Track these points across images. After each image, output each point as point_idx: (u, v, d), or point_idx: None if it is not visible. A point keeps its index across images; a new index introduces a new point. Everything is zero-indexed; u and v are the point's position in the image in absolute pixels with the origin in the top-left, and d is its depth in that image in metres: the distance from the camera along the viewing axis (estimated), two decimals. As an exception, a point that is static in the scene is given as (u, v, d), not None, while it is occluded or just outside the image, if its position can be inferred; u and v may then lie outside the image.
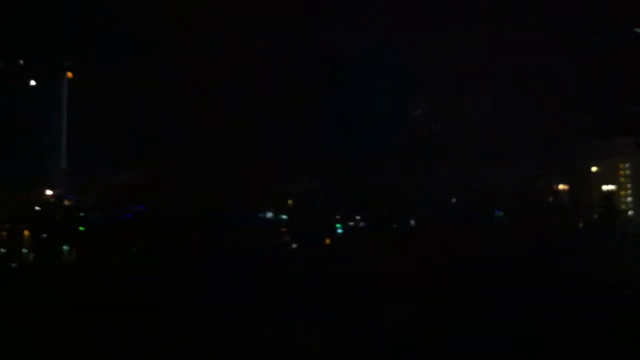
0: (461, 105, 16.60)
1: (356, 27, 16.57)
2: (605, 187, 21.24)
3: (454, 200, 16.22)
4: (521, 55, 15.63)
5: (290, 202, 15.80)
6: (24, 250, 16.13)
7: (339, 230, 14.16)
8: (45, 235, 16.20)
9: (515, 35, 15.67)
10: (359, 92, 16.03)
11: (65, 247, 15.65)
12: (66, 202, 17.47)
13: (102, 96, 18.97)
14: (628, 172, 26.31)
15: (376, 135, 16.28)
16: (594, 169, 15.33)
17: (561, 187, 15.52)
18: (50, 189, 18.50)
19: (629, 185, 26.37)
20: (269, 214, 15.13)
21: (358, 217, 14.67)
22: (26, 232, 16.54)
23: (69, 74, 19.18)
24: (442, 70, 16.39)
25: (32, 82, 19.55)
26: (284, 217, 14.79)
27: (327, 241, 13.12)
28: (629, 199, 25.83)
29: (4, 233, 16.86)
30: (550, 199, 14.46)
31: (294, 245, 11.30)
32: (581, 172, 15.58)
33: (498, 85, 15.84)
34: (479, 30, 15.92)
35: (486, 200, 15.95)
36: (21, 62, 18.48)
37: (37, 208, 17.27)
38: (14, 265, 15.05)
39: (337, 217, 14.64)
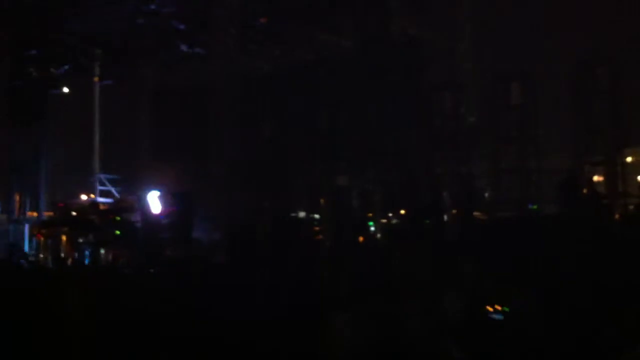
0: (493, 95, 16.51)
1: (389, 20, 16.53)
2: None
3: (486, 194, 16.09)
4: (551, 42, 15.49)
5: (322, 200, 15.82)
6: (62, 255, 16.40)
7: (372, 228, 14.18)
8: (81, 239, 16.48)
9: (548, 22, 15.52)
10: (393, 85, 15.97)
11: (102, 251, 15.89)
12: (102, 207, 17.76)
13: (144, 99, 19.25)
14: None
15: (409, 129, 16.25)
16: (629, 158, 15.14)
17: (596, 177, 15.35)
18: (86, 193, 18.83)
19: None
20: (302, 214, 15.19)
21: (391, 214, 14.64)
22: (64, 237, 16.85)
23: (96, 79, 19.49)
24: (474, 59, 16.30)
25: (65, 89, 19.90)
26: (316, 216, 14.83)
27: (361, 239, 13.14)
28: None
29: (42, 238, 17.20)
30: (586, 190, 14.30)
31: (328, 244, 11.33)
32: (617, 161, 15.39)
33: (530, 73, 15.72)
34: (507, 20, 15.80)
35: (522, 192, 15.82)
36: (52, 68, 18.79)
37: (73, 213, 17.58)
38: (52, 267, 15.33)
39: (370, 214, 14.65)
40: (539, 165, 15.74)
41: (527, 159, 15.94)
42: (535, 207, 14.72)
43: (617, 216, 13.24)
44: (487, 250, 8.96)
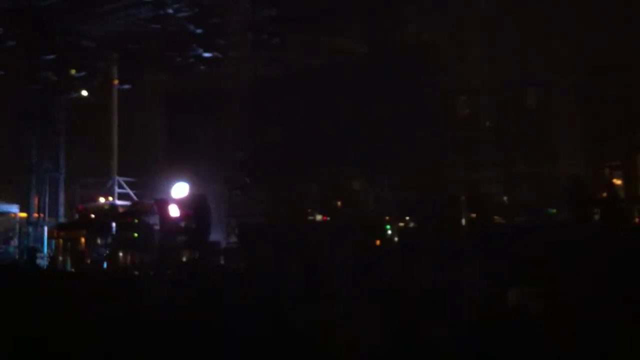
0: (508, 101, 16.43)
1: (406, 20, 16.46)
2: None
3: (504, 198, 15.99)
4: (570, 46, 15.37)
5: (339, 203, 15.82)
6: (80, 257, 16.50)
7: (389, 232, 14.12)
8: (100, 241, 16.57)
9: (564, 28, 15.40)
10: (406, 90, 15.94)
11: (120, 253, 15.96)
12: (120, 209, 17.86)
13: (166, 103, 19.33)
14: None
15: (426, 133, 16.20)
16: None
17: (616, 181, 15.20)
18: (104, 196, 18.96)
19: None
20: (318, 217, 15.17)
21: (408, 218, 14.58)
22: (82, 240, 16.96)
23: (115, 82, 19.62)
24: (488, 64, 16.21)
25: (83, 92, 20.05)
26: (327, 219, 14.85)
27: (377, 242, 13.09)
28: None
29: (61, 241, 17.32)
30: (605, 194, 14.17)
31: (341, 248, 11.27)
32: (636, 164, 15.22)
33: (546, 76, 15.61)
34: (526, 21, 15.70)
35: (538, 197, 15.70)
36: (73, 72, 18.95)
37: (91, 216, 17.70)
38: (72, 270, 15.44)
39: (386, 217, 14.60)
40: (555, 170, 15.63)
41: (542, 164, 15.83)
42: (553, 211, 14.60)
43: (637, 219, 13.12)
44: (500, 255, 8.92)
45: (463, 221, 14.19)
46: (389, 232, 14.31)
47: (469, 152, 16.64)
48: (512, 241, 10.62)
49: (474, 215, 14.59)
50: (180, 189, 15.96)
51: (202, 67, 18.60)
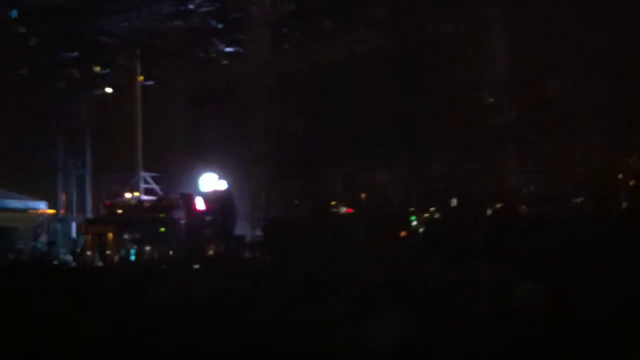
0: (536, 89, 16.28)
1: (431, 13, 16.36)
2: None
3: (531, 188, 15.87)
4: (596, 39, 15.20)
5: (363, 195, 15.81)
6: (108, 252, 16.69)
7: (414, 223, 14.09)
8: (127, 236, 16.76)
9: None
10: (435, 79, 15.86)
11: (147, 248, 16.12)
12: (146, 204, 18.02)
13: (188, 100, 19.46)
14: None
15: (450, 125, 16.13)
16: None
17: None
18: (130, 191, 19.12)
19: None
20: (343, 209, 15.18)
21: (433, 209, 14.54)
22: (110, 235, 17.15)
23: (140, 78, 19.76)
24: (510, 55, 16.08)
25: (108, 89, 20.24)
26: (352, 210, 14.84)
27: (403, 234, 13.08)
28: None
29: (89, 237, 17.52)
30: (632, 182, 13.99)
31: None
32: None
33: (572, 65, 15.45)
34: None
35: (563, 188, 15.54)
36: (93, 69, 19.15)
37: (119, 211, 17.88)
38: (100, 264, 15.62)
39: (412, 209, 14.57)
40: (580, 160, 15.49)
41: (567, 155, 15.69)
42: (579, 201, 14.46)
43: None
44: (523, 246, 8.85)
45: (488, 212, 14.13)
46: (414, 223, 14.30)
47: (494, 143, 16.55)
48: (536, 233, 10.51)
49: (499, 206, 14.52)
50: (209, 180, 16.13)
51: (224, 62, 18.67)
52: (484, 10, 15.90)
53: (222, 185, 16.29)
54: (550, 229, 10.43)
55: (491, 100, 16.90)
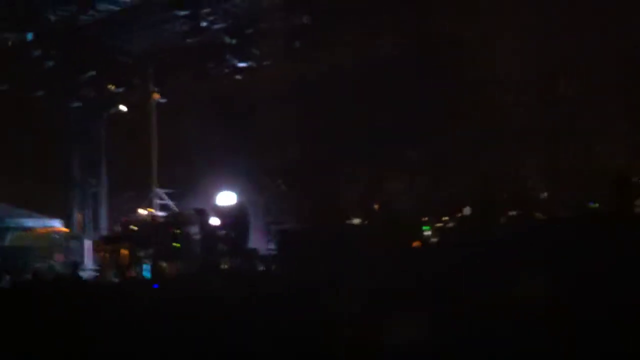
0: (546, 91, 16.17)
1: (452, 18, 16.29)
2: None
3: (545, 194, 15.68)
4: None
5: (376, 205, 15.75)
6: (123, 269, 16.71)
7: (427, 232, 14.02)
8: (142, 253, 16.79)
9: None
10: (441, 85, 15.79)
11: (163, 264, 16.14)
12: (160, 220, 18.07)
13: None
14: None
15: (464, 130, 16.03)
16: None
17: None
18: (144, 208, 19.17)
19: None
20: (355, 220, 15.13)
21: (446, 218, 14.44)
22: (125, 252, 17.19)
23: (157, 96, 19.89)
24: (523, 53, 15.98)
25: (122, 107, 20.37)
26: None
27: (415, 243, 12.98)
28: None
29: (103, 253, 17.58)
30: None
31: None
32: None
33: (587, 65, 15.34)
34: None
35: (580, 191, 15.33)
36: (108, 88, 19.31)
37: (133, 228, 17.93)
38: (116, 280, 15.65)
39: (425, 218, 14.49)
40: (596, 162, 15.33)
41: (584, 156, 15.54)
42: (596, 205, 14.32)
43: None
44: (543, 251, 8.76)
45: (503, 219, 14.02)
46: (428, 232, 14.23)
47: (509, 147, 16.44)
48: (553, 238, 10.40)
49: (514, 212, 14.40)
50: (226, 198, 16.19)
51: (237, 77, 18.76)
52: (500, 9, 15.81)
53: (235, 200, 16.33)
54: (566, 234, 10.31)
55: (507, 103, 16.79)
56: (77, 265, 16.68)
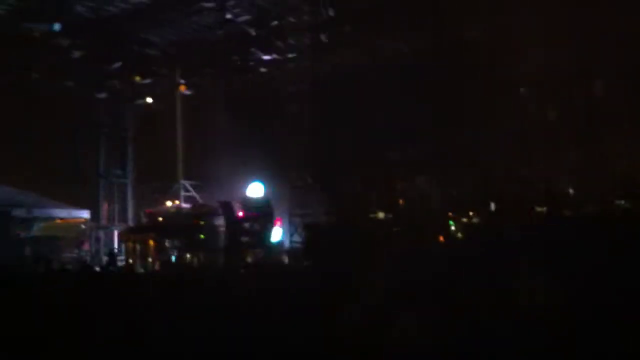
0: (574, 91, 16.03)
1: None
2: None
3: (571, 191, 15.59)
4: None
5: (402, 201, 15.73)
6: (149, 259, 16.89)
7: (452, 228, 13.99)
8: (168, 244, 16.95)
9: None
10: (469, 85, 15.72)
11: (188, 255, 16.27)
12: (186, 212, 18.21)
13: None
14: None
15: (489, 128, 15.96)
16: None
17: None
18: (170, 200, 19.34)
19: None
20: (381, 215, 15.13)
21: (471, 213, 14.40)
22: (151, 242, 17.36)
23: (183, 88, 19.99)
24: (549, 55, 15.86)
25: (149, 99, 20.52)
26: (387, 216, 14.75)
27: (441, 238, 12.95)
28: None
29: (131, 244, 17.77)
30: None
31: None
32: None
33: (615, 63, 15.18)
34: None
35: (606, 189, 15.21)
36: (135, 79, 19.43)
37: (159, 219, 18.10)
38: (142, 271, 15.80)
39: (450, 213, 14.45)
40: (624, 160, 15.18)
41: (610, 155, 15.40)
42: (622, 203, 14.20)
43: None
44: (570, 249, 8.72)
45: (530, 216, 13.94)
46: (453, 228, 14.20)
47: (535, 145, 16.35)
48: (581, 235, 10.33)
49: (541, 209, 14.32)
50: (255, 189, 16.29)
51: (263, 70, 18.79)
52: (524, 8, 15.68)
53: (260, 192, 16.42)
54: (593, 231, 10.24)
55: (534, 100, 16.69)
56: (113, 254, 16.87)
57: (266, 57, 18.37)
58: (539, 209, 14.04)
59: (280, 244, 15.50)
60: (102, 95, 20.02)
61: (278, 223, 16.16)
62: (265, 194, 16.29)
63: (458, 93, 15.96)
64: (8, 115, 17.74)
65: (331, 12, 16.71)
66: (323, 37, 17.04)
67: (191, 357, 7.14)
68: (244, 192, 16.68)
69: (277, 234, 15.92)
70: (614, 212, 13.94)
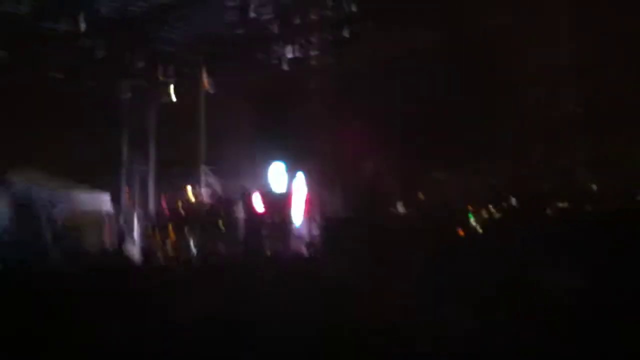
0: (592, 83, 15.90)
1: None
2: None
3: (593, 185, 15.45)
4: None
5: (422, 195, 15.71)
6: (168, 248, 17.03)
7: (472, 221, 13.97)
8: (187, 232, 17.08)
9: None
10: (487, 79, 15.65)
11: (207, 244, 16.36)
12: (206, 201, 18.31)
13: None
14: None
15: (509, 120, 15.87)
16: None
17: None
18: (191, 187, 19.42)
19: None
20: (401, 209, 15.12)
21: (491, 208, 14.37)
22: (170, 230, 17.50)
23: (206, 84, 20.07)
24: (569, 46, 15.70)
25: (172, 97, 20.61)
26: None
27: (461, 232, 12.94)
28: None
29: (151, 232, 17.92)
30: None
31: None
32: None
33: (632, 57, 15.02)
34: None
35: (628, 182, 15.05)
36: (159, 78, 19.51)
37: (179, 208, 18.21)
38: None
39: (470, 208, 14.43)
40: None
41: (632, 148, 15.27)
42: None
43: None
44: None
45: (549, 211, 13.88)
46: (472, 222, 14.17)
47: (555, 138, 16.26)
48: (601, 231, 10.26)
49: (562, 204, 14.25)
50: (277, 169, 16.33)
51: (285, 67, 18.84)
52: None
53: (282, 184, 16.48)
54: (616, 227, 10.16)
55: (554, 94, 16.58)
56: (122, 238, 16.97)
57: (289, 54, 18.42)
58: (560, 204, 13.97)
59: (301, 237, 15.55)
60: (127, 96, 20.17)
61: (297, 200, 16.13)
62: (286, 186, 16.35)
63: (476, 88, 15.90)
64: (31, 108, 17.92)
65: (354, 8, 16.69)
66: (345, 33, 17.02)
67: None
68: (265, 180, 16.75)
69: (299, 213, 15.89)
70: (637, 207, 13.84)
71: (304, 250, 13.97)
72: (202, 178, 19.81)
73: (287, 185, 16.75)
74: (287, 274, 9.90)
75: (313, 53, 18.13)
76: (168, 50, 18.95)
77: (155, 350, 6.98)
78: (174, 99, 20.19)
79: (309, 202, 17.09)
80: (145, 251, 16.90)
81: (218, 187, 19.70)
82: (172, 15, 17.39)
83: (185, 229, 17.27)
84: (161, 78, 19.72)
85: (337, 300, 7.74)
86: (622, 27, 15.17)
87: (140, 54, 18.80)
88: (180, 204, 18.63)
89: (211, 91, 19.87)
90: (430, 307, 7.26)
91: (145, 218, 19.45)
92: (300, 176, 17.24)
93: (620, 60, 15.76)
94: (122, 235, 18.56)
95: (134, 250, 16.46)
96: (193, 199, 18.91)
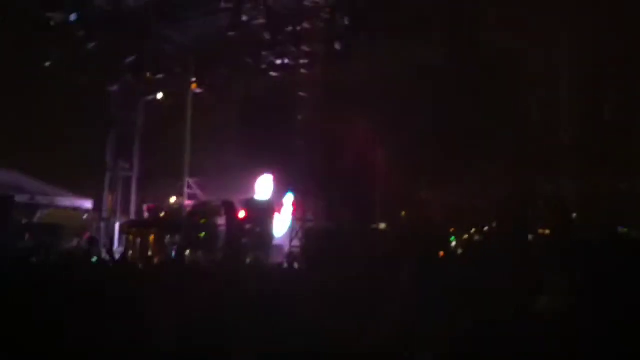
0: (587, 111, 15.96)
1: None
2: None
3: (574, 215, 15.42)
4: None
5: (403, 213, 15.68)
6: (150, 254, 16.90)
7: (453, 243, 13.94)
8: (168, 240, 16.96)
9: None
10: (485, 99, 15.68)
11: (187, 252, 16.26)
12: (188, 209, 18.22)
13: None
14: None
15: (499, 142, 15.91)
16: None
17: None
18: (174, 196, 19.35)
19: None
20: (382, 225, 15.11)
21: (473, 230, 14.33)
22: (151, 237, 17.38)
23: (194, 86, 20.03)
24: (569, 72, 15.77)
25: (159, 95, 20.54)
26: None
27: (441, 254, 12.87)
28: None
29: (131, 237, 17.80)
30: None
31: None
32: None
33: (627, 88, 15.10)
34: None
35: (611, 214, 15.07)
36: (148, 74, 19.47)
37: (161, 214, 18.13)
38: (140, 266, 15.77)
39: (452, 229, 14.41)
40: (633, 186, 15.08)
41: (619, 179, 15.29)
42: (625, 230, 14.08)
43: None
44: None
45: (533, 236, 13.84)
46: (453, 244, 14.14)
47: (543, 163, 16.27)
48: (580, 260, 10.21)
49: (546, 231, 14.21)
50: (265, 181, 16.28)
51: (274, 74, 18.84)
52: (544, 19, 15.61)
53: (269, 186, 16.43)
54: (596, 256, 10.15)
55: (545, 120, 16.63)
56: (95, 242, 16.81)
57: (279, 62, 18.42)
58: (541, 231, 13.94)
59: (280, 247, 15.49)
60: (114, 88, 20.07)
61: (281, 211, 16.09)
62: (273, 188, 16.31)
63: (465, 109, 15.92)
64: (19, 101, 17.82)
65: (347, 21, 16.74)
66: (337, 46, 17.06)
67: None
68: (250, 191, 16.72)
69: (281, 225, 15.85)
70: (616, 238, 13.82)
71: (283, 260, 13.91)
72: (185, 185, 19.75)
73: (271, 195, 16.70)
74: (264, 282, 9.82)
75: (303, 63, 18.16)
76: (160, 49, 18.96)
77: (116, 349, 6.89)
78: (160, 97, 20.16)
79: (294, 212, 17.06)
80: (122, 253, 16.77)
81: (201, 196, 19.65)
82: (167, 14, 17.41)
83: (166, 236, 17.16)
84: (150, 75, 19.71)
85: (314, 312, 7.67)
86: (618, 63, 15.28)
87: (132, 50, 18.80)
88: (162, 210, 18.54)
89: (199, 92, 19.86)
90: (403, 321, 7.21)
91: (126, 222, 19.35)
92: (285, 187, 17.22)
93: (616, 95, 15.86)
94: (98, 238, 18.46)
95: (110, 251, 16.30)
96: (175, 206, 18.83)
